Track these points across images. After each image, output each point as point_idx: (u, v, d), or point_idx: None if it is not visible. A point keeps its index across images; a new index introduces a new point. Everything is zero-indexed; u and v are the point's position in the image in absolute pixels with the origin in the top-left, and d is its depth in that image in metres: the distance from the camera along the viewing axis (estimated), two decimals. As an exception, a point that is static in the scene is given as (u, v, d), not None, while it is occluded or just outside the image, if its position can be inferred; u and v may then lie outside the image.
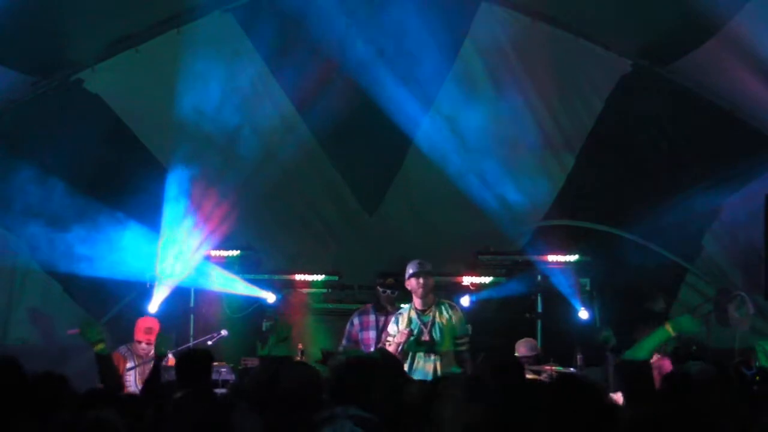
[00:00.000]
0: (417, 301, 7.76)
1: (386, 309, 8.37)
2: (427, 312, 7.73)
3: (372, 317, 8.40)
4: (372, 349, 8.03)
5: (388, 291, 8.36)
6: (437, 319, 7.70)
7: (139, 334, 8.34)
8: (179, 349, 8.42)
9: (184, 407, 4.65)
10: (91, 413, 3.95)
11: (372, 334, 8.31)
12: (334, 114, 9.31)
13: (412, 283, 7.75)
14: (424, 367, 7.56)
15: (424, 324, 7.69)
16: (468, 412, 4.11)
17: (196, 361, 5.60)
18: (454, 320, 7.71)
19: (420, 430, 4.38)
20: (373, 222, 9.89)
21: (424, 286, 7.70)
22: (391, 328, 7.77)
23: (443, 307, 7.78)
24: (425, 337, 7.62)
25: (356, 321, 8.42)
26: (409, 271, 7.79)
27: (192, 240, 9.32)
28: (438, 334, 7.66)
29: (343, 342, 8.41)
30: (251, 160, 9.40)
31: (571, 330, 9.06)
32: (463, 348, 7.71)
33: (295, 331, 9.10)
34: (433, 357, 7.60)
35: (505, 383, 4.66)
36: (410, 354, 7.64)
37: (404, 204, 9.84)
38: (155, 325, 8.38)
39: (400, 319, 7.75)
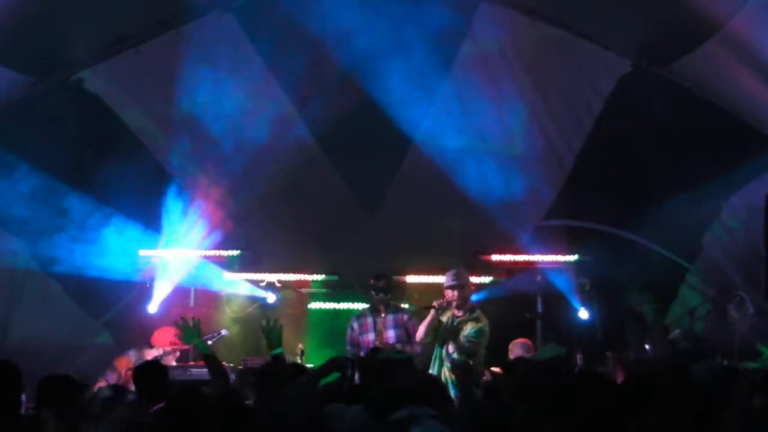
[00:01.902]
0: (455, 309, 7.99)
1: (380, 310, 8.42)
2: (460, 319, 7.96)
3: (369, 320, 8.44)
4: None
5: (381, 294, 8.41)
6: (463, 330, 7.89)
7: (173, 339, 8.25)
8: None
9: None
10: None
11: (371, 336, 8.36)
12: (334, 113, 9.33)
13: (448, 294, 7.95)
14: (446, 375, 7.74)
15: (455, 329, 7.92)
16: None
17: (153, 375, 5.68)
18: (469, 327, 7.86)
19: None
20: (373, 222, 9.88)
21: (459, 297, 7.94)
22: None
23: (472, 319, 7.95)
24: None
25: (355, 325, 8.47)
26: (446, 283, 7.95)
27: (192, 239, 9.33)
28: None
29: (348, 348, 8.44)
30: (251, 159, 9.40)
31: (570, 330, 9.08)
32: (467, 345, 7.80)
33: (296, 331, 9.11)
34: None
35: None
36: (436, 361, 7.88)
37: (404, 204, 9.82)
38: None
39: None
